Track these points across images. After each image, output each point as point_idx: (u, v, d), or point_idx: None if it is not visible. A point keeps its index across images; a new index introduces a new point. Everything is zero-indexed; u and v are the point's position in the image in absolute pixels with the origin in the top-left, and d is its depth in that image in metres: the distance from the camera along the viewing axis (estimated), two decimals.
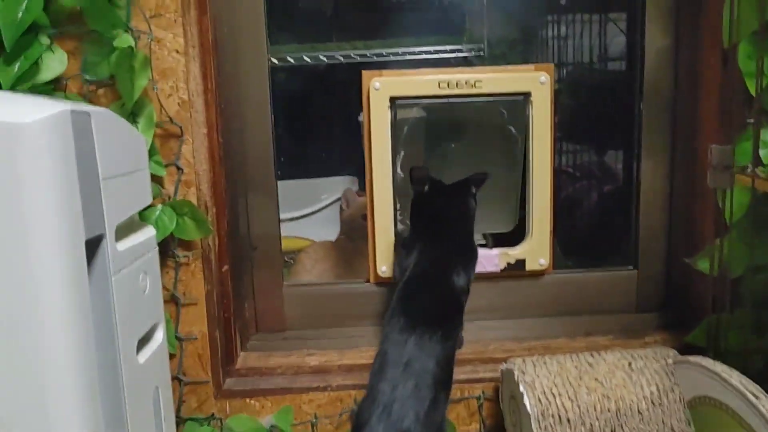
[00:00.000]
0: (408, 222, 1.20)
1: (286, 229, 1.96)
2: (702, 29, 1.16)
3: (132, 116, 1.01)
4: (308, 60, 1.96)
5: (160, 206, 1.05)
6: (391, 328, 1.00)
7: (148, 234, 0.97)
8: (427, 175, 1.16)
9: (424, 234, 1.13)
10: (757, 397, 0.84)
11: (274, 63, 1.83)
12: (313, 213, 2.08)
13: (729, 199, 1.03)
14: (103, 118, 0.83)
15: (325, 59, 1.98)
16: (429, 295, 1.05)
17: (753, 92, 1.03)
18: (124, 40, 0.95)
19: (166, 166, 1.05)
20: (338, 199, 1.97)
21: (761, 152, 1.02)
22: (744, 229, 1.06)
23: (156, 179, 1.05)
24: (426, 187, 1.15)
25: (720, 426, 0.91)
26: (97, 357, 0.83)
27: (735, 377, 0.88)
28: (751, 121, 1.04)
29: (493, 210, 1.29)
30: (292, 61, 1.96)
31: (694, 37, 1.18)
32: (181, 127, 1.04)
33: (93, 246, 0.80)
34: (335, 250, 1.49)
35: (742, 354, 1.04)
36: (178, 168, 1.06)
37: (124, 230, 0.91)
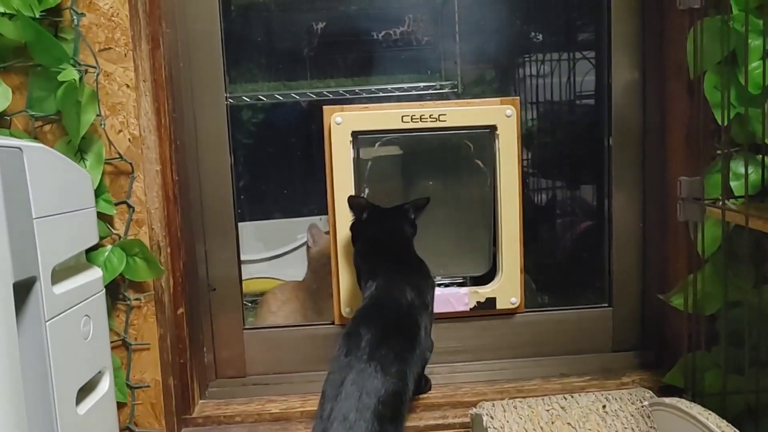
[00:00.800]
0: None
1: (259, 270, 1.91)
2: (667, 61, 1.15)
3: (80, 153, 0.97)
4: (280, 97, 1.93)
5: (109, 246, 1.00)
6: (332, 364, 0.96)
7: (93, 276, 0.92)
8: (366, 204, 1.13)
9: (368, 262, 1.10)
10: None
11: (245, 100, 1.81)
12: (287, 253, 2.03)
13: (701, 233, 1.00)
14: (39, 154, 0.78)
15: (297, 97, 1.95)
16: (374, 328, 0.98)
17: (720, 122, 1.01)
18: (69, 73, 0.91)
19: (117, 204, 1.01)
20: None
21: (732, 183, 1.00)
22: (718, 264, 1.02)
23: (105, 218, 1.00)
24: (365, 215, 1.12)
25: None
26: (27, 410, 0.77)
27: (712, 420, 0.83)
28: (720, 152, 1.02)
29: (464, 251, 1.25)
30: (264, 98, 1.93)
31: (660, 70, 1.17)
32: (131, 164, 1.00)
33: (24, 289, 0.75)
34: (302, 290, 1.44)
35: (721, 394, 0.99)
36: (129, 206, 1.01)
37: (65, 272, 0.86)
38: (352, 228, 1.14)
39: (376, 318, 1.00)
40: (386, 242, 1.11)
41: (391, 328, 0.99)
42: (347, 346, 0.96)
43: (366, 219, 1.12)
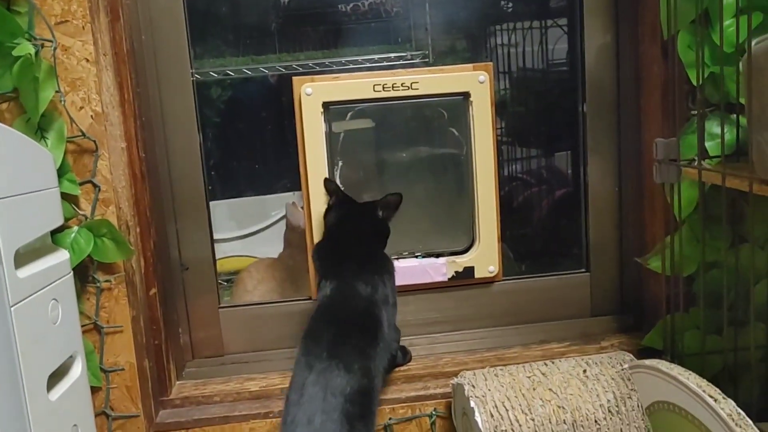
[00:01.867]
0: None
1: (233, 249, 1.88)
2: (641, 22, 1.13)
3: (40, 131, 0.94)
4: (248, 72, 1.89)
5: (75, 228, 0.97)
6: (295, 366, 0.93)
7: (60, 258, 0.89)
8: (334, 188, 1.10)
9: (323, 260, 1.07)
10: (716, 400, 0.79)
11: (213, 76, 1.76)
12: (261, 230, 2.00)
13: (677, 194, 0.99)
14: None
15: (266, 71, 1.91)
16: (333, 325, 0.96)
17: (695, 82, 1.00)
18: (24, 48, 0.87)
19: (81, 184, 0.97)
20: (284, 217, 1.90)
21: (707, 144, 0.99)
22: (694, 225, 1.02)
23: (70, 198, 0.97)
24: (332, 201, 1.09)
25: (679, 431, 0.86)
26: None
27: (692, 380, 0.84)
28: (695, 112, 1.01)
29: (444, 225, 1.23)
30: (231, 73, 1.89)
31: (634, 31, 1.16)
32: (95, 142, 0.97)
33: None
34: (278, 268, 1.42)
35: (700, 355, 1.00)
36: (95, 185, 0.98)
37: (29, 255, 0.83)
38: (324, 216, 1.11)
39: (334, 317, 0.97)
40: (343, 240, 1.07)
41: (350, 325, 0.96)
42: (306, 347, 0.93)
43: (330, 207, 1.09)
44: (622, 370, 0.99)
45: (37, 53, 0.90)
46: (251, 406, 1.09)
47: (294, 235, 1.43)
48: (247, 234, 1.99)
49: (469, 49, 1.86)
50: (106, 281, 1.00)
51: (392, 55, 1.90)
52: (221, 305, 1.19)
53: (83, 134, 0.96)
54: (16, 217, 0.77)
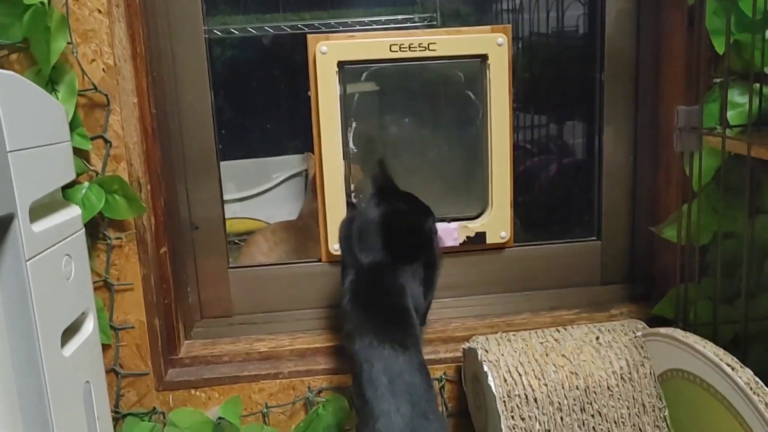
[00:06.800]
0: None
1: (236, 211, 1.87)
2: None
3: (51, 84, 0.91)
4: (253, 31, 1.85)
5: (86, 183, 0.95)
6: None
7: (72, 214, 0.88)
8: (379, 178, 1.05)
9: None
10: (733, 369, 0.79)
11: (217, 34, 1.73)
12: (264, 192, 1.99)
13: (697, 163, 0.98)
14: (9, 82, 0.73)
15: (271, 30, 1.88)
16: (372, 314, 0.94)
17: (720, 51, 0.99)
18: None
19: (92, 138, 0.95)
20: (290, 177, 1.89)
21: (729, 113, 0.98)
22: (711, 195, 1.01)
23: (81, 153, 0.95)
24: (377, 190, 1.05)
25: (693, 399, 0.87)
26: (12, 351, 0.74)
27: (709, 348, 0.84)
28: (718, 80, 1.00)
29: (458, 191, 1.21)
30: (235, 32, 1.85)
31: None
32: (107, 96, 0.95)
33: (2, 227, 0.71)
34: (298, 228, 1.39)
35: (711, 324, 1.00)
36: (106, 141, 0.96)
37: (42, 210, 0.82)
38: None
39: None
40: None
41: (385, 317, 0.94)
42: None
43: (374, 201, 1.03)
44: (635, 337, 0.99)
45: (48, 2, 0.87)
46: (260, 367, 1.08)
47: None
48: (249, 196, 1.97)
49: (477, 10, 1.83)
50: (117, 238, 0.99)
51: (399, 17, 1.87)
52: (230, 265, 1.18)
53: (95, 88, 0.94)
54: (31, 169, 0.75)
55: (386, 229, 1.00)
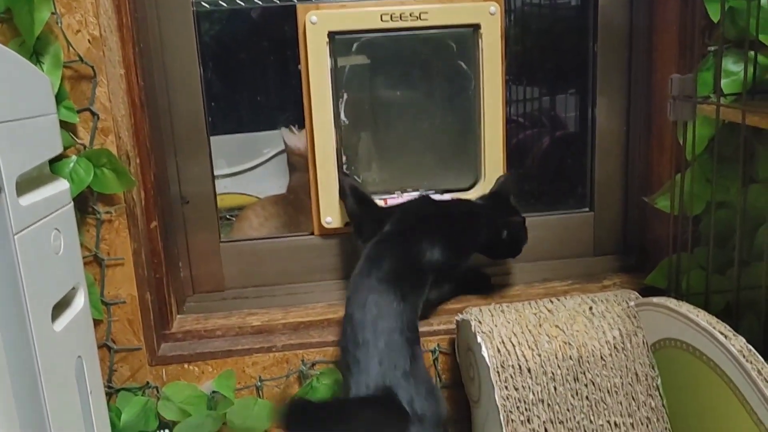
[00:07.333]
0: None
1: (227, 186, 1.85)
2: None
3: (35, 56, 0.89)
4: (241, 3, 1.82)
5: (74, 157, 0.94)
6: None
7: (60, 188, 0.87)
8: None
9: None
10: (726, 337, 0.79)
11: (206, 7, 1.70)
12: (255, 167, 1.97)
13: (691, 132, 0.97)
14: None
15: (260, 2, 1.85)
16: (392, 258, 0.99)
17: (714, 18, 0.98)
18: None
19: (79, 111, 0.94)
20: (281, 152, 1.86)
21: (723, 81, 0.97)
22: (705, 164, 1.01)
23: (68, 127, 0.93)
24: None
25: (686, 368, 0.87)
26: (2, 326, 0.73)
27: (702, 317, 0.84)
28: (713, 49, 0.99)
29: (450, 162, 1.20)
30: (224, 4, 1.82)
31: None
32: (93, 67, 0.93)
33: None
34: (287, 202, 1.38)
35: (704, 294, 1.00)
36: (93, 113, 0.94)
37: (30, 183, 0.80)
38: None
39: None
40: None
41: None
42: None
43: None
44: (628, 307, 0.99)
45: None
46: (254, 341, 1.08)
47: (297, 159, 1.39)
48: (242, 171, 1.96)
49: None
50: (107, 213, 0.98)
51: None
52: (222, 240, 1.17)
53: (81, 59, 0.92)
54: (16, 143, 0.74)
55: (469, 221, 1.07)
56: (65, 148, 0.93)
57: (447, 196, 1.15)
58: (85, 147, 0.95)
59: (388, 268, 0.96)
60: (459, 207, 1.11)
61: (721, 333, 0.80)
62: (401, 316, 0.91)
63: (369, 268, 0.96)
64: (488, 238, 1.08)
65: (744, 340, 0.79)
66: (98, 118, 0.94)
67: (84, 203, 0.96)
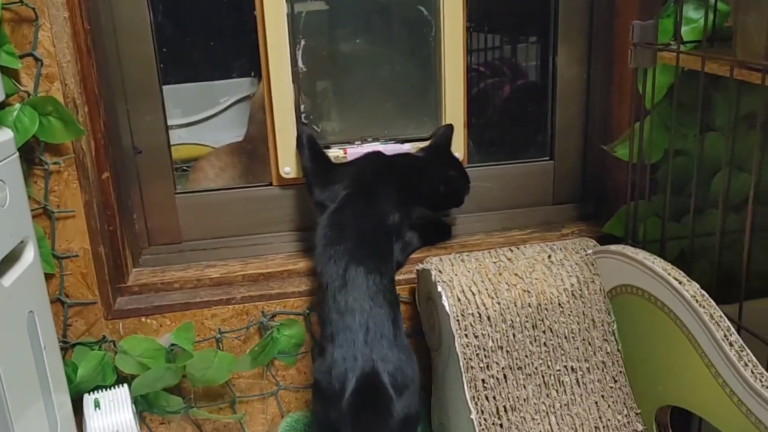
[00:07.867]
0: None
1: (182, 136, 1.80)
2: None
3: None
4: None
5: (18, 105, 0.90)
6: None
7: (3, 137, 0.83)
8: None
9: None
10: (680, 282, 0.81)
11: None
12: (211, 117, 1.92)
13: (650, 79, 0.97)
14: None
15: None
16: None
17: None
18: None
19: (21, 57, 0.89)
20: (238, 101, 1.82)
21: (683, 29, 0.97)
22: (663, 112, 1.01)
23: (10, 73, 0.89)
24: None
25: (641, 314, 0.89)
26: None
27: (658, 264, 0.85)
28: None
29: (410, 110, 1.18)
30: None
31: None
32: (34, 9, 0.88)
33: None
34: (242, 153, 1.35)
35: (659, 241, 1.02)
36: (36, 59, 0.90)
37: None
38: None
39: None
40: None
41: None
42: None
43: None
44: (586, 255, 1.00)
45: None
46: (213, 293, 1.07)
47: (258, 112, 1.35)
48: (197, 121, 1.91)
49: None
50: (55, 163, 0.94)
51: None
52: (177, 191, 1.14)
53: (21, 0, 0.87)
54: None
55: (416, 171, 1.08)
56: (8, 96, 0.88)
57: (407, 147, 1.14)
58: (29, 94, 0.90)
59: (358, 235, 0.95)
60: (405, 162, 1.10)
61: (676, 279, 0.81)
62: (381, 281, 0.90)
63: (339, 238, 0.95)
64: (428, 192, 1.09)
65: (697, 285, 0.81)
66: (42, 63, 0.90)
67: (30, 153, 0.93)
